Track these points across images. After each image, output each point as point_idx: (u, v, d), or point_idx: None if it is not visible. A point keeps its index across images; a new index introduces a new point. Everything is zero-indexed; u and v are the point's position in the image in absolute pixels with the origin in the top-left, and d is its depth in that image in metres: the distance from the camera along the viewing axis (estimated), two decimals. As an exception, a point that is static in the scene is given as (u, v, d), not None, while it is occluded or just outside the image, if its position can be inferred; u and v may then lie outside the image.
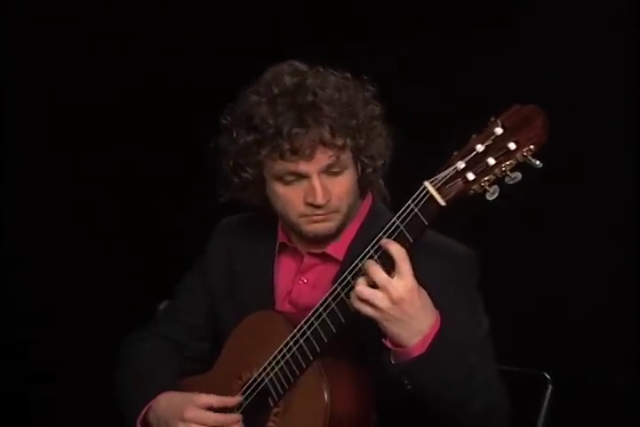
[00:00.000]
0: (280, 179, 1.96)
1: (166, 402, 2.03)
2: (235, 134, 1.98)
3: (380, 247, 1.75)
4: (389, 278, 1.72)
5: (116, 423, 2.20)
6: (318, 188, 1.93)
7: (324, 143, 1.91)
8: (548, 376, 2.29)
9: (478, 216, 2.40)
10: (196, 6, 3.45)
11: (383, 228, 1.76)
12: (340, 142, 1.92)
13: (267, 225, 2.15)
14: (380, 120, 2.01)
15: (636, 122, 2.87)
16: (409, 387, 1.78)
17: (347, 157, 1.96)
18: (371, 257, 1.77)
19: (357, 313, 1.77)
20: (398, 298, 1.71)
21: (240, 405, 1.99)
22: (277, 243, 2.12)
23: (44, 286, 3.54)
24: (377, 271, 1.73)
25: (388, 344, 1.78)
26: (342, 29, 3.17)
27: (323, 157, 1.93)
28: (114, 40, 3.44)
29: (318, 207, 1.95)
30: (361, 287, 1.73)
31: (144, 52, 3.45)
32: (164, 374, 2.12)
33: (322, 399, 1.85)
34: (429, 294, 1.78)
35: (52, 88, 3.48)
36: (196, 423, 1.96)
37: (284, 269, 2.11)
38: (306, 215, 1.97)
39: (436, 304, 1.79)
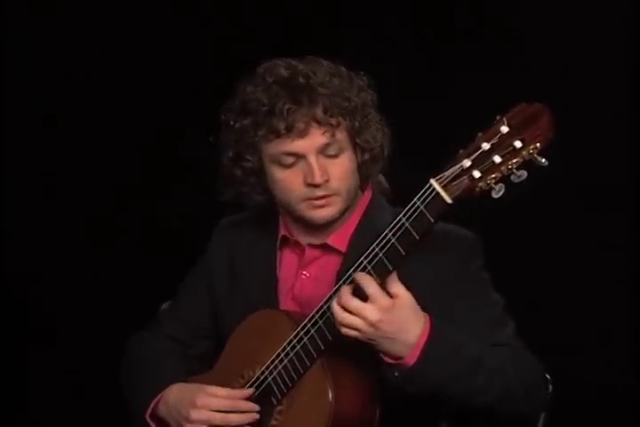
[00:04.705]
0: (278, 163, 1.98)
1: (178, 392, 2.04)
2: (232, 122, 2.02)
3: (385, 244, 1.77)
4: (363, 305, 1.76)
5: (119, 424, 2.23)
6: (315, 166, 1.95)
7: (317, 121, 1.95)
8: (547, 376, 2.27)
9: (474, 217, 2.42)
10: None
11: (389, 225, 1.77)
12: (333, 121, 1.96)
13: (267, 221, 2.16)
14: (373, 107, 2.04)
15: (637, 121, 2.89)
16: (417, 392, 1.81)
17: (343, 139, 1.99)
18: (376, 255, 1.78)
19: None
20: (376, 320, 1.76)
21: (251, 397, 1.99)
22: (279, 237, 2.12)
23: (45, 288, 3.54)
24: (349, 300, 1.78)
25: (387, 359, 1.81)
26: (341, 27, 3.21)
27: (317, 135, 1.95)
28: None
29: (318, 187, 1.96)
30: (341, 315, 1.78)
31: (138, 48, 3.47)
32: (170, 370, 2.13)
33: (326, 397, 1.85)
34: (435, 286, 1.85)
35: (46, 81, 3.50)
36: (209, 409, 1.96)
37: (286, 263, 2.12)
38: (307, 199, 1.98)
39: (445, 292, 1.86)
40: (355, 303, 1.77)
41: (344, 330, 1.79)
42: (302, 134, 1.94)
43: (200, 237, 2.28)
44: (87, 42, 3.50)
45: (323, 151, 1.97)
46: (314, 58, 2.03)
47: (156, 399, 2.06)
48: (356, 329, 1.77)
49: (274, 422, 1.95)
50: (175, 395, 2.04)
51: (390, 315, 1.76)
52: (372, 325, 1.76)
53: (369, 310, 1.76)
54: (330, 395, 1.85)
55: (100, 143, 3.52)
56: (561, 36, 2.94)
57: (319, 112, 1.94)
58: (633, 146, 2.89)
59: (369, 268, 1.79)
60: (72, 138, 3.52)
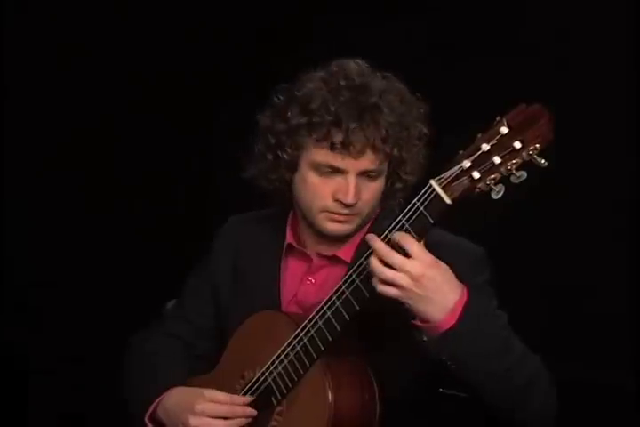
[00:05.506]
0: (316, 168, 1.97)
1: (177, 396, 2.03)
2: (289, 114, 1.98)
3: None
4: (405, 259, 1.71)
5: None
6: (352, 187, 1.94)
7: (374, 147, 1.93)
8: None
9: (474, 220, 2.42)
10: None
11: (389, 226, 1.76)
12: (388, 150, 1.94)
13: (274, 223, 2.15)
14: (423, 141, 2.03)
15: (638, 121, 2.89)
16: (449, 363, 1.75)
17: (385, 165, 1.99)
18: None
19: (376, 297, 1.75)
20: (419, 274, 1.70)
21: (249, 404, 1.99)
22: (285, 244, 2.12)
23: (45, 287, 3.54)
24: (391, 254, 1.72)
25: (418, 323, 1.76)
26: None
27: (368, 160, 1.94)
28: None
29: (345, 206, 1.95)
30: (381, 269, 1.72)
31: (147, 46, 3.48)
32: (172, 372, 2.12)
33: (325, 398, 1.85)
34: None
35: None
36: (207, 416, 1.96)
37: (291, 268, 2.11)
38: (329, 211, 1.98)
39: None
40: (397, 257, 1.70)
41: (382, 288, 1.71)
42: (355, 155, 1.92)
43: (205, 236, 2.28)
44: (87, 39, 3.50)
45: (364, 173, 1.96)
46: (390, 75, 2.01)
47: (156, 402, 2.05)
48: (396, 285, 1.70)
49: (274, 423, 1.95)
50: (174, 400, 2.03)
51: (434, 271, 1.71)
52: (414, 279, 1.69)
53: (412, 264, 1.69)
54: (329, 396, 1.85)
55: (99, 143, 3.52)
56: (562, 36, 2.94)
57: (379, 139, 1.92)
58: (634, 147, 2.89)
59: (368, 268, 1.76)
60: (70, 138, 3.53)
